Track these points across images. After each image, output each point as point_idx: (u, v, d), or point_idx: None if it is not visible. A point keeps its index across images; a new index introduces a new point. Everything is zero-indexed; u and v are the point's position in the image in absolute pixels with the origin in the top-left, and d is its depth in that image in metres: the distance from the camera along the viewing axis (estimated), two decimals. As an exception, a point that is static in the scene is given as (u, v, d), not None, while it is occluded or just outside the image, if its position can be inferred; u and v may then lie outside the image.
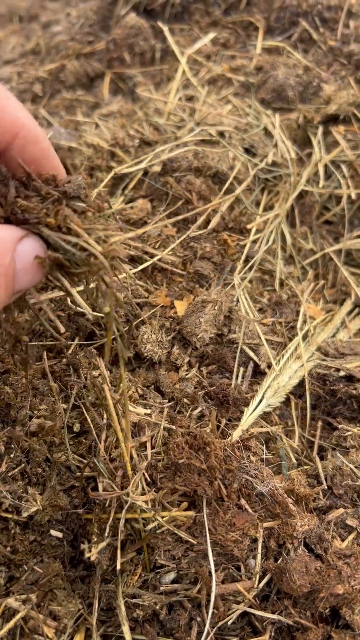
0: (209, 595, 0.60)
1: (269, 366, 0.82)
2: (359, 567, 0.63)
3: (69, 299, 0.57)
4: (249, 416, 0.75)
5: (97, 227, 0.43)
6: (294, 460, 0.76)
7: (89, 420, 0.65)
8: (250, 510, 0.64)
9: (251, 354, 0.82)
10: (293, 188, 1.01)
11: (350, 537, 0.67)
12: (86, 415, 0.65)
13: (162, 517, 0.61)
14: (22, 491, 0.60)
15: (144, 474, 0.63)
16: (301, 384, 0.83)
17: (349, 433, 0.78)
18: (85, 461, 0.64)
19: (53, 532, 0.61)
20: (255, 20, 1.32)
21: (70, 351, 0.72)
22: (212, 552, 0.61)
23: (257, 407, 0.76)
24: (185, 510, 0.63)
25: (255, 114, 1.12)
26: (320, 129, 1.11)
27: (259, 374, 0.83)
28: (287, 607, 0.63)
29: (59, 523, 0.62)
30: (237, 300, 0.86)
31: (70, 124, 1.21)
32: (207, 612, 0.60)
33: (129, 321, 0.79)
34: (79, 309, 0.70)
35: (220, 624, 0.61)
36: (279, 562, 0.64)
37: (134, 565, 0.62)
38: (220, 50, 1.31)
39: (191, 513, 0.62)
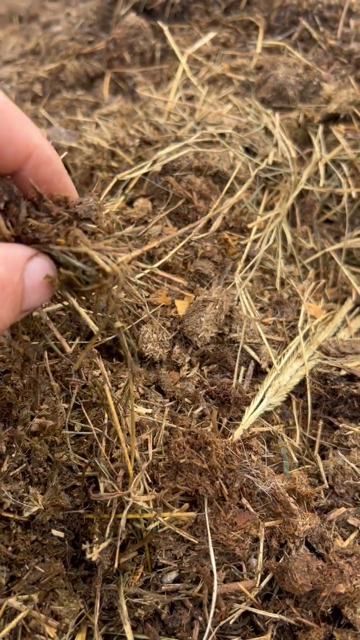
0: (210, 594, 0.60)
1: (270, 365, 0.82)
2: (360, 566, 0.63)
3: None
4: (250, 415, 0.75)
5: (107, 247, 0.43)
6: (295, 459, 0.76)
7: (89, 421, 0.65)
8: (251, 510, 0.64)
9: (252, 353, 0.82)
10: (294, 187, 1.01)
11: (352, 536, 0.67)
12: (86, 416, 0.65)
13: (164, 518, 0.61)
14: (23, 491, 0.60)
15: (145, 473, 0.63)
16: (302, 383, 0.82)
17: (350, 432, 0.78)
18: (86, 461, 0.64)
19: (54, 532, 0.61)
20: (256, 20, 1.32)
21: (71, 350, 0.72)
22: (214, 551, 0.61)
23: (258, 406, 0.76)
24: (187, 509, 0.63)
25: (255, 114, 1.12)
26: (321, 128, 1.11)
27: (260, 373, 0.83)
28: (288, 607, 0.63)
29: (60, 523, 0.62)
30: (238, 300, 0.86)
31: (71, 124, 1.21)
32: (209, 612, 0.60)
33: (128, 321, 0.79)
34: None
35: (222, 623, 0.61)
36: (280, 561, 0.63)
37: (136, 565, 0.62)
38: (220, 49, 1.31)
39: (192, 514, 0.62)
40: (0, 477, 0.59)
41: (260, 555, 0.63)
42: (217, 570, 0.61)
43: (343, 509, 0.69)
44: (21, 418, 0.63)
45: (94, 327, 0.45)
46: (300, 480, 0.69)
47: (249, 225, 0.95)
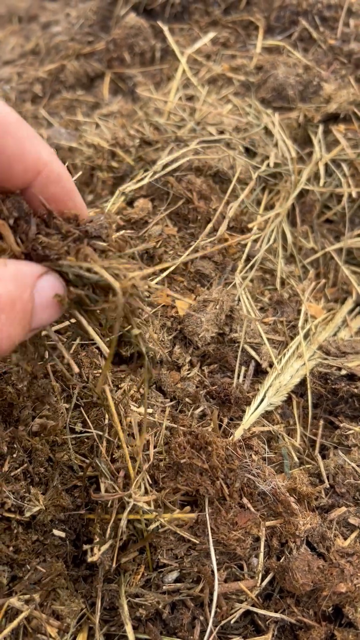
0: (211, 594, 0.60)
1: (271, 365, 0.82)
2: (361, 566, 0.63)
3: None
4: (251, 415, 0.75)
5: (118, 265, 0.43)
6: (295, 459, 0.76)
7: (89, 423, 0.65)
8: (252, 509, 0.64)
9: (253, 353, 0.82)
10: (294, 187, 1.01)
11: (353, 535, 0.67)
12: (86, 417, 0.65)
13: (164, 519, 0.61)
14: (24, 491, 0.60)
15: (145, 474, 0.63)
16: (303, 382, 0.83)
17: (351, 432, 0.78)
18: (87, 461, 0.64)
19: (56, 532, 0.61)
20: (255, 20, 1.32)
21: (71, 351, 0.72)
22: (215, 551, 0.61)
23: (258, 406, 0.76)
24: (187, 508, 0.63)
25: (255, 113, 1.12)
26: (321, 128, 1.11)
27: (260, 373, 0.83)
28: (289, 606, 0.63)
29: (61, 523, 0.62)
30: (239, 300, 0.86)
31: (71, 124, 1.21)
32: (210, 611, 0.60)
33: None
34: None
35: (223, 622, 0.61)
36: (281, 560, 0.64)
37: (137, 565, 0.62)
38: (220, 49, 1.31)
39: (193, 515, 0.62)
40: (1, 477, 0.59)
41: (261, 555, 0.63)
42: (218, 569, 0.61)
43: (344, 509, 0.69)
44: (22, 418, 0.63)
45: (104, 349, 0.45)
46: (301, 480, 0.69)
47: (250, 225, 0.95)
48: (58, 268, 0.43)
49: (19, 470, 0.61)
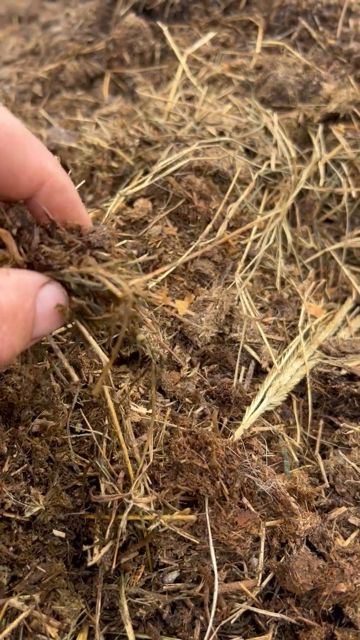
0: (211, 594, 0.60)
1: (271, 365, 0.82)
2: (361, 566, 0.63)
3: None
4: (251, 415, 0.75)
5: (120, 275, 0.43)
6: (296, 459, 0.76)
7: (88, 424, 0.65)
8: (252, 509, 0.64)
9: (252, 353, 0.82)
10: (293, 187, 1.01)
11: (353, 535, 0.67)
12: (84, 418, 0.65)
13: (164, 520, 0.61)
14: (24, 491, 0.60)
15: (145, 475, 0.63)
16: (303, 382, 0.83)
17: (351, 431, 0.78)
18: (87, 461, 0.64)
19: (56, 532, 0.61)
20: (255, 20, 1.32)
21: (71, 351, 0.72)
22: (215, 551, 0.61)
23: (258, 406, 0.77)
24: (187, 507, 0.63)
25: (255, 113, 1.12)
26: (320, 128, 1.11)
27: (260, 373, 0.83)
28: (290, 606, 0.63)
29: (61, 523, 0.62)
30: (238, 300, 0.86)
31: (70, 125, 1.21)
32: (210, 611, 0.60)
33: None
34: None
35: (223, 622, 0.61)
36: (281, 560, 0.64)
37: (137, 565, 0.62)
38: (219, 49, 1.31)
39: (193, 517, 0.62)
40: (1, 477, 0.59)
41: (261, 555, 0.63)
42: (218, 569, 0.61)
43: (344, 508, 0.69)
44: (22, 418, 0.64)
45: (105, 358, 0.45)
46: (301, 480, 0.69)
47: (249, 225, 0.95)
48: (60, 278, 0.43)
49: (19, 470, 0.61)
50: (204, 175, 0.96)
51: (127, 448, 0.63)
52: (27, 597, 0.57)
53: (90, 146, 1.04)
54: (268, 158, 1.04)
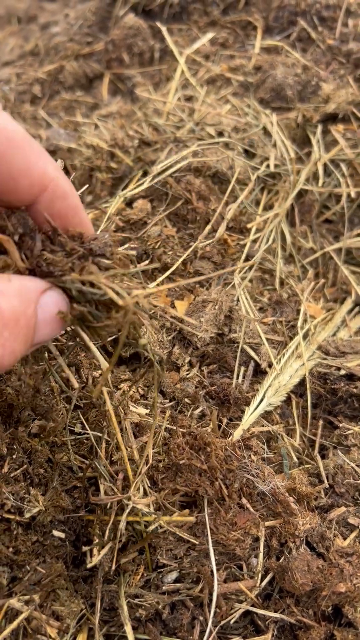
0: (211, 594, 0.60)
1: (270, 365, 0.82)
2: (360, 566, 0.63)
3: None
4: (250, 415, 0.75)
5: (122, 283, 0.43)
6: (295, 459, 0.76)
7: (87, 426, 0.65)
8: (251, 510, 0.64)
9: (252, 353, 0.82)
10: (292, 187, 1.02)
11: (352, 535, 0.67)
12: (82, 419, 0.65)
13: (163, 521, 0.61)
14: (24, 492, 0.60)
15: (144, 476, 0.63)
16: (302, 383, 0.83)
17: (350, 431, 0.78)
18: (87, 462, 0.64)
19: (55, 533, 0.61)
20: (254, 20, 1.32)
21: (70, 353, 0.72)
22: (214, 551, 0.61)
23: (258, 406, 0.77)
24: (186, 508, 0.63)
25: (254, 114, 1.13)
26: (319, 128, 1.11)
27: (259, 373, 0.83)
28: (289, 606, 0.63)
29: (61, 523, 0.62)
30: (238, 300, 0.86)
31: (70, 125, 1.21)
32: (210, 611, 0.60)
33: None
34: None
35: (222, 623, 0.61)
36: (281, 560, 0.64)
37: (136, 565, 0.62)
38: (218, 50, 1.31)
39: (192, 518, 0.62)
40: (1, 478, 0.59)
41: (261, 555, 0.63)
42: (218, 570, 0.61)
43: (343, 508, 0.69)
44: (22, 419, 0.64)
45: (104, 364, 0.45)
46: (300, 480, 0.69)
47: (248, 226, 0.95)
48: (62, 284, 0.43)
49: (18, 471, 0.61)
50: (203, 176, 0.96)
51: (127, 449, 0.63)
52: (26, 597, 0.57)
53: (90, 147, 1.05)
54: (267, 158, 1.04)
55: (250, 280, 0.91)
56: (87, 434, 0.65)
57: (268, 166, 1.03)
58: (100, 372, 0.70)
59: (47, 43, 1.47)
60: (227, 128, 1.05)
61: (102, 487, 0.62)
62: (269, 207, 1.02)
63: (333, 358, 0.85)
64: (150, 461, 0.64)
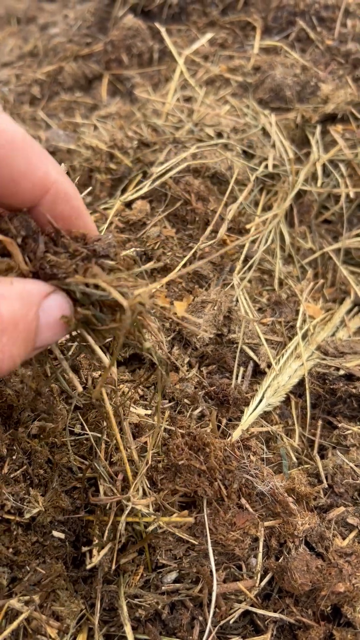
0: (210, 594, 0.61)
1: (269, 366, 0.82)
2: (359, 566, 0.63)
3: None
4: (249, 416, 0.75)
5: (126, 284, 0.42)
6: (294, 459, 0.76)
7: (86, 427, 0.65)
8: (251, 510, 0.64)
9: (251, 353, 0.83)
10: (291, 187, 1.02)
11: (351, 535, 0.67)
12: (81, 420, 0.65)
13: (163, 522, 0.61)
14: (24, 493, 0.60)
15: (143, 477, 0.63)
16: (301, 383, 0.83)
17: (349, 432, 0.78)
18: (86, 463, 0.64)
19: (55, 533, 0.61)
20: (253, 20, 1.32)
21: (70, 352, 0.72)
22: (213, 551, 0.62)
23: (257, 406, 0.77)
24: (186, 508, 0.63)
25: (253, 114, 1.13)
26: (318, 128, 1.11)
27: (259, 373, 0.83)
28: (288, 606, 0.63)
29: (61, 524, 0.62)
30: (237, 300, 0.86)
31: (69, 126, 1.21)
32: (209, 611, 0.60)
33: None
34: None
35: (222, 622, 0.61)
36: (280, 560, 0.64)
37: (136, 566, 0.62)
38: (217, 50, 1.31)
39: (191, 519, 0.62)
40: (1, 479, 0.59)
41: (260, 555, 0.64)
42: (217, 570, 0.62)
43: (342, 508, 0.70)
44: (22, 420, 0.64)
45: (106, 361, 0.45)
46: (299, 480, 0.69)
47: (247, 226, 0.95)
48: (65, 286, 0.42)
49: (18, 472, 0.61)
50: (202, 177, 0.97)
51: (126, 450, 0.63)
52: (26, 598, 0.57)
53: (89, 148, 1.05)
54: (266, 159, 1.05)
55: (250, 281, 0.92)
56: (87, 434, 0.65)
57: (267, 167, 1.03)
58: (100, 372, 0.70)
59: (46, 44, 1.47)
60: (226, 129, 1.05)
61: (101, 488, 0.62)
62: (268, 207, 1.02)
63: (332, 358, 0.85)
64: (150, 461, 0.64)
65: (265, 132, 1.10)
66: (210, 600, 0.60)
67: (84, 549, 0.61)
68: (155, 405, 0.73)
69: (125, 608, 0.60)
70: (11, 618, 0.56)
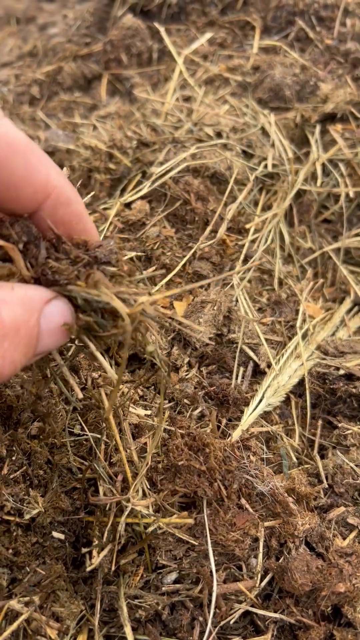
0: (210, 595, 0.60)
1: (269, 366, 0.82)
2: (360, 566, 0.63)
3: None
4: (249, 416, 0.75)
5: (128, 290, 0.42)
6: (294, 459, 0.76)
7: (85, 428, 0.65)
8: (251, 510, 0.64)
9: (251, 353, 0.83)
10: (291, 187, 1.02)
11: (352, 535, 0.67)
12: (81, 421, 0.65)
13: (162, 523, 0.61)
14: (24, 493, 0.60)
15: (143, 478, 0.63)
16: (301, 383, 0.83)
17: (349, 431, 0.78)
18: (86, 463, 0.64)
19: (55, 534, 0.61)
20: (252, 20, 1.32)
21: (70, 353, 0.72)
22: (213, 552, 0.62)
23: (257, 406, 0.77)
24: (186, 509, 0.63)
25: (252, 114, 1.13)
26: (318, 128, 1.11)
27: (258, 373, 0.83)
28: (289, 606, 0.63)
29: (60, 525, 0.62)
30: (236, 300, 0.86)
31: (68, 126, 1.21)
32: (209, 612, 0.60)
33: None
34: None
35: (222, 623, 0.61)
36: (280, 561, 0.64)
37: (136, 566, 0.62)
38: (217, 50, 1.31)
39: (190, 520, 0.62)
40: (0, 480, 0.59)
41: (260, 555, 0.64)
42: (217, 570, 0.62)
43: (342, 508, 0.70)
44: (22, 421, 0.64)
45: (113, 375, 0.45)
46: (299, 480, 0.69)
47: (247, 226, 0.95)
48: (67, 293, 0.42)
49: (18, 472, 0.61)
50: (202, 176, 0.96)
51: (126, 451, 0.63)
52: (26, 599, 0.57)
53: (88, 148, 1.05)
54: (265, 159, 1.05)
55: (249, 281, 0.92)
56: (86, 435, 0.65)
57: (266, 166, 1.03)
58: (99, 373, 0.70)
59: (46, 44, 1.47)
60: (226, 128, 1.05)
61: (101, 489, 0.62)
62: (267, 207, 1.02)
63: (332, 358, 0.85)
64: (150, 462, 0.64)
65: (264, 132, 1.10)
66: (210, 601, 0.60)
67: (84, 549, 0.61)
68: (155, 406, 0.73)
69: (125, 609, 0.60)
70: (11, 619, 0.56)
